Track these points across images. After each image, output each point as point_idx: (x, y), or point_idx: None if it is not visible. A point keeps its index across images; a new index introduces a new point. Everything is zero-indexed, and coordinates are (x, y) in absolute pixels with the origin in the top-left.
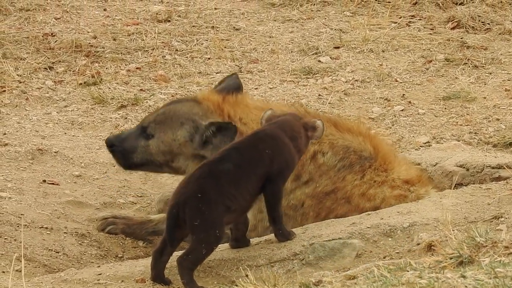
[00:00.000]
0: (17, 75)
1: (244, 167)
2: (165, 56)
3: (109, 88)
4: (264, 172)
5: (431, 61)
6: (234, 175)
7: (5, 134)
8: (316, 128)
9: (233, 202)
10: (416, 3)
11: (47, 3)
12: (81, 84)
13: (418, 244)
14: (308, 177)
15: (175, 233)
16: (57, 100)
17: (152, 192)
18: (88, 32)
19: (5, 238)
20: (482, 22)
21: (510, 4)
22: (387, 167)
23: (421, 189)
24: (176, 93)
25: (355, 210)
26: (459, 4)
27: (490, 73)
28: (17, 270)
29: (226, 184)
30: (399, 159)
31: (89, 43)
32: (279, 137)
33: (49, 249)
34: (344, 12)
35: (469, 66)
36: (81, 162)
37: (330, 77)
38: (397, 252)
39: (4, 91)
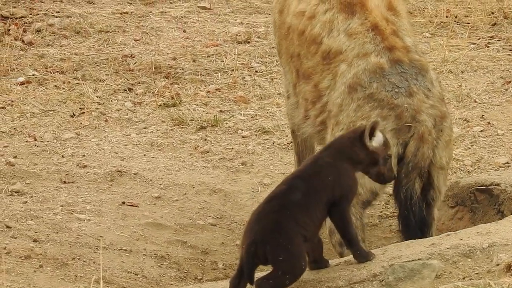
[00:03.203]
0: (96, 96)
1: (311, 195)
2: (244, 77)
3: (189, 110)
4: (328, 198)
5: (510, 81)
6: (304, 204)
7: (84, 156)
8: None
9: (307, 231)
10: (495, 24)
11: (126, 24)
12: (160, 105)
13: (498, 264)
14: None
15: (254, 270)
16: (136, 122)
17: (231, 214)
18: (167, 53)
19: (84, 261)
20: None
21: None
22: None
23: None
24: (256, 114)
25: None
26: None
27: None
28: None
29: (299, 214)
30: None
31: (169, 64)
32: (338, 163)
33: (128, 271)
34: (424, 33)
35: None
36: (160, 184)
37: None
38: (477, 273)
39: (84, 113)
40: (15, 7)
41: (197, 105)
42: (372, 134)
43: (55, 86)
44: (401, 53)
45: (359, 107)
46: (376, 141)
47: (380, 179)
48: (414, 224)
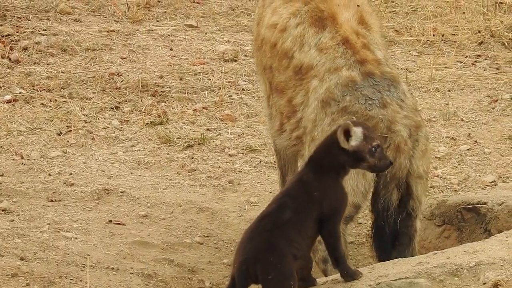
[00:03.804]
0: (83, 115)
1: (301, 213)
2: (231, 96)
3: (176, 128)
4: (317, 214)
5: (496, 100)
6: (295, 222)
7: (71, 174)
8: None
9: (298, 250)
10: (482, 42)
11: (113, 43)
12: (147, 123)
13: (485, 283)
14: None
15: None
16: (123, 140)
17: (218, 232)
18: (154, 71)
19: (71, 279)
20: None
21: None
22: None
23: None
24: (243, 133)
25: None
26: None
27: None
28: None
29: (291, 233)
30: None
31: (156, 82)
32: (322, 177)
33: None
34: (410, 52)
35: None
36: (147, 202)
37: None
38: None
39: (70, 131)
40: (1, 25)
41: (184, 123)
42: (348, 135)
43: (42, 104)
44: (373, 66)
45: (333, 121)
46: (355, 139)
47: (373, 170)
48: (388, 235)
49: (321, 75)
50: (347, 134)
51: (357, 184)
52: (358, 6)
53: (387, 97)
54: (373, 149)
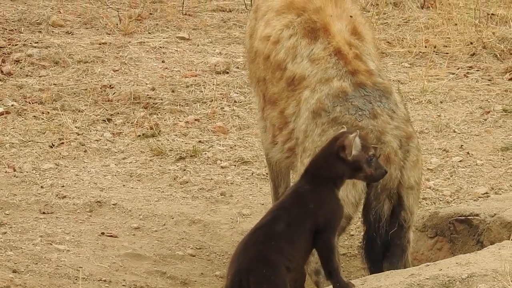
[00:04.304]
0: (75, 127)
1: (295, 225)
2: (223, 108)
3: (168, 140)
4: (312, 226)
5: (489, 112)
6: (289, 234)
7: (63, 186)
8: (345, 146)
9: (292, 262)
10: (473, 54)
11: (105, 55)
12: (139, 136)
13: None
14: None
15: None
16: (116, 152)
17: (211, 244)
18: (146, 84)
19: None
20: None
21: None
22: None
23: None
24: (235, 145)
25: None
26: None
27: None
28: None
29: (284, 245)
30: None
31: (148, 95)
32: (318, 189)
33: None
34: (402, 63)
35: None
36: (139, 214)
37: None
38: None
39: (63, 143)
40: None
41: (176, 135)
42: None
43: (34, 116)
44: (364, 77)
45: (323, 131)
46: (356, 148)
47: (370, 180)
48: (379, 247)
49: (312, 85)
50: (348, 144)
51: (347, 194)
52: (351, 17)
53: (378, 107)
54: (370, 158)
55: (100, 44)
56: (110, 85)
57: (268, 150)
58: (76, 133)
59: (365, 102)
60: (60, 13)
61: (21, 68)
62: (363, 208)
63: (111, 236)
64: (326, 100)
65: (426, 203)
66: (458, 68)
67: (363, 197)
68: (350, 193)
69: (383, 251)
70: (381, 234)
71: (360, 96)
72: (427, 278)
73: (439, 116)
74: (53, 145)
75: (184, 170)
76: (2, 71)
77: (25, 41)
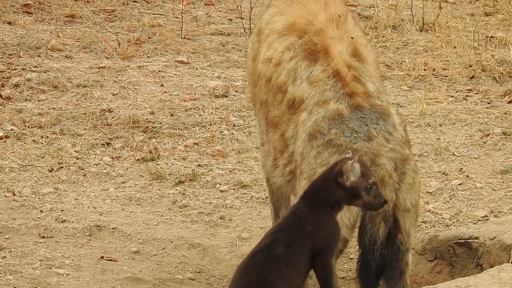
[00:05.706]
0: (75, 151)
1: (294, 248)
2: (222, 132)
3: (167, 164)
4: (310, 248)
5: (488, 135)
6: (288, 257)
7: (62, 210)
8: (343, 171)
9: (291, 285)
10: (473, 77)
11: (104, 79)
12: (138, 160)
13: None
14: None
15: None
16: (115, 176)
17: (210, 268)
18: (145, 107)
19: None
20: None
21: None
22: None
23: None
24: (234, 169)
25: None
26: None
27: None
28: None
29: (284, 268)
30: None
31: (147, 118)
32: (316, 212)
33: None
34: (401, 87)
35: None
36: (139, 238)
37: None
38: None
39: (62, 167)
40: None
41: (175, 159)
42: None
43: (33, 140)
44: (361, 99)
45: (318, 153)
46: (354, 175)
47: (368, 208)
48: (374, 270)
49: (310, 108)
50: (346, 170)
51: (341, 217)
52: (352, 38)
53: (374, 130)
54: (369, 186)
55: (99, 68)
56: (109, 109)
57: (269, 174)
58: (75, 157)
59: (361, 124)
60: (59, 37)
61: (20, 93)
62: (358, 231)
63: (110, 260)
64: (322, 122)
65: (426, 226)
66: (457, 91)
67: (358, 220)
68: (345, 215)
69: (379, 274)
70: (376, 257)
71: (357, 118)
72: None
73: (438, 139)
74: (53, 169)
75: (183, 194)
76: (1, 96)
77: (24, 65)
